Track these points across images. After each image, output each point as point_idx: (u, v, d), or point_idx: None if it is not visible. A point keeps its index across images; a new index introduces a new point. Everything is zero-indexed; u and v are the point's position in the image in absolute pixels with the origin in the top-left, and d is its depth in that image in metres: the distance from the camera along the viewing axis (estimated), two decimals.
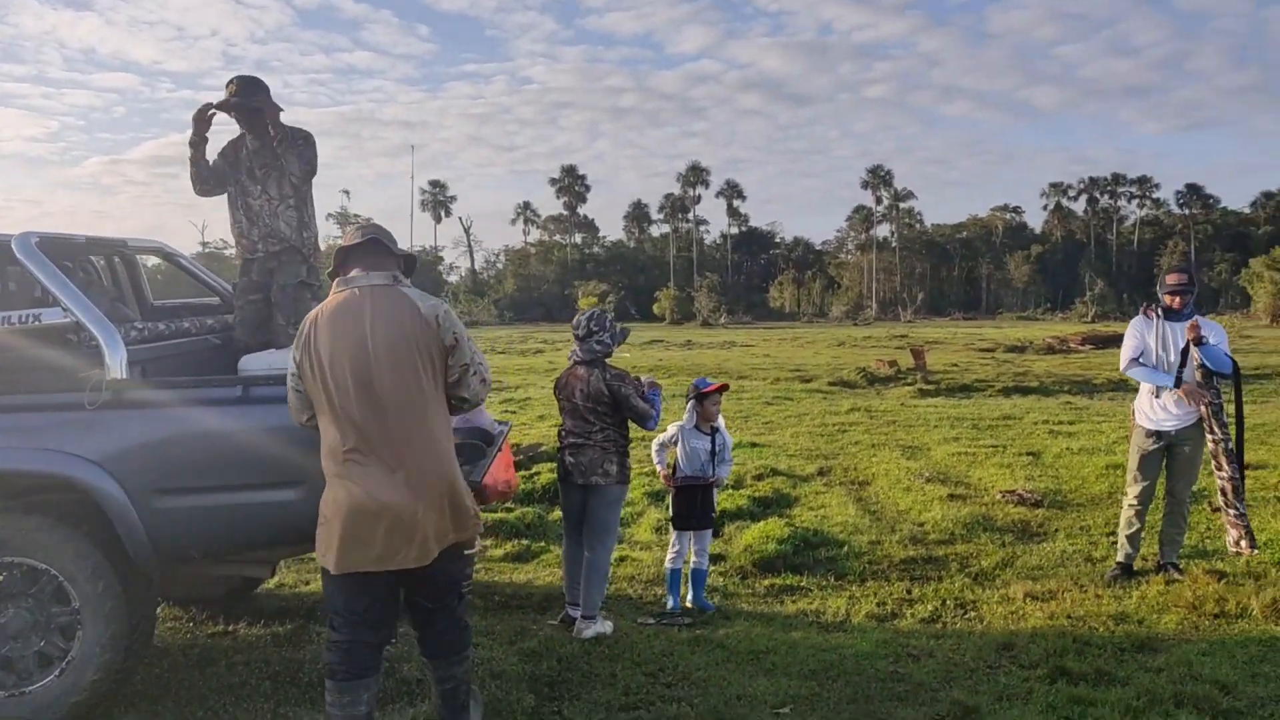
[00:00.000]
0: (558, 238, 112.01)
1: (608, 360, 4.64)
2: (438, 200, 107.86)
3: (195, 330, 4.89)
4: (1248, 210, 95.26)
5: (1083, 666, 3.98)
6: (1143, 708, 3.55)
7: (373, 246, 3.07)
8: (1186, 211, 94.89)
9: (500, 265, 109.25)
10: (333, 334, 2.92)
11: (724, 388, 5.11)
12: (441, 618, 3.09)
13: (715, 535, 6.74)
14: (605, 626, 4.56)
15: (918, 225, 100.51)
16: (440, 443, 3.02)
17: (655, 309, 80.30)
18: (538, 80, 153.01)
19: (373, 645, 3.00)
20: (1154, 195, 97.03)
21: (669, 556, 5.10)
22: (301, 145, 4.61)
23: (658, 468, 5.20)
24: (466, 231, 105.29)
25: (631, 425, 4.74)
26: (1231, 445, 5.18)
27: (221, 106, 4.47)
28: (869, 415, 12.96)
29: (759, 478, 8.56)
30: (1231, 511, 5.24)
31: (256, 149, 4.59)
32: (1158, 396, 5.26)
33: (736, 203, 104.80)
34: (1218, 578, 5.17)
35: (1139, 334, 5.37)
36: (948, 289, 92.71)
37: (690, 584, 5.14)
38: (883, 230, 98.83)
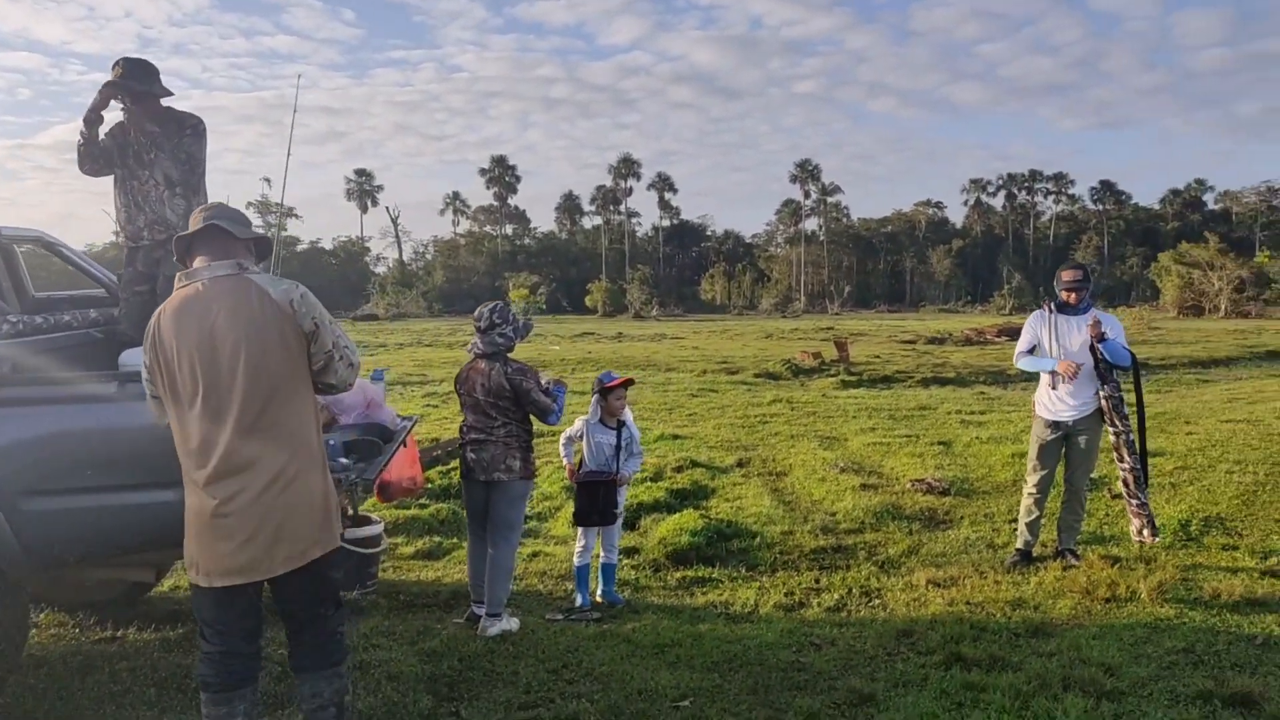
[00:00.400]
0: (488, 229, 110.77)
1: (510, 354, 4.56)
2: (364, 189, 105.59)
3: (77, 324, 4.65)
4: (1157, 207, 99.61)
5: (978, 652, 4.07)
6: (1032, 692, 3.64)
7: (214, 233, 2.86)
8: (1100, 207, 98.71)
9: (429, 256, 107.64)
10: (176, 333, 2.75)
11: (628, 382, 5.07)
12: (312, 629, 2.92)
13: (631, 528, 6.74)
14: (511, 624, 4.50)
15: (845, 219, 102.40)
16: (303, 444, 2.84)
17: (587, 301, 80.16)
18: (467, 69, 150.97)
19: (246, 655, 2.87)
20: (1069, 191, 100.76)
21: (576, 552, 5.06)
22: (190, 132, 4.42)
23: (564, 462, 5.14)
24: (394, 221, 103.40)
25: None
26: (1132, 437, 5.35)
27: (108, 88, 4.26)
28: (790, 407, 13.12)
29: (679, 470, 8.58)
30: (1134, 501, 5.41)
31: (145, 133, 4.39)
32: (1054, 389, 5.42)
33: (668, 195, 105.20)
34: (1112, 563, 5.35)
35: (1034, 328, 5.53)
36: (874, 282, 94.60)
37: (600, 578, 5.11)
38: (811, 224, 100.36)
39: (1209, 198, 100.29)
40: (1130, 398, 5.45)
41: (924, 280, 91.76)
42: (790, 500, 7.45)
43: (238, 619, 2.83)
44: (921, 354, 24.60)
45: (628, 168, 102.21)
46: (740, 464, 8.91)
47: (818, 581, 5.42)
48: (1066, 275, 5.42)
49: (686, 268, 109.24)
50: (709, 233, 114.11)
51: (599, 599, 5.07)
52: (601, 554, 5.07)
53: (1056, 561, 5.47)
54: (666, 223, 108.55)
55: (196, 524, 2.78)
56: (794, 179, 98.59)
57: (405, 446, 5.07)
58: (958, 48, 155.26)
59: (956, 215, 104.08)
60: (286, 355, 2.79)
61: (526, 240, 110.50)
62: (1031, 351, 5.55)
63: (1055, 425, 5.43)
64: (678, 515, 6.69)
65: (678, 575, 5.59)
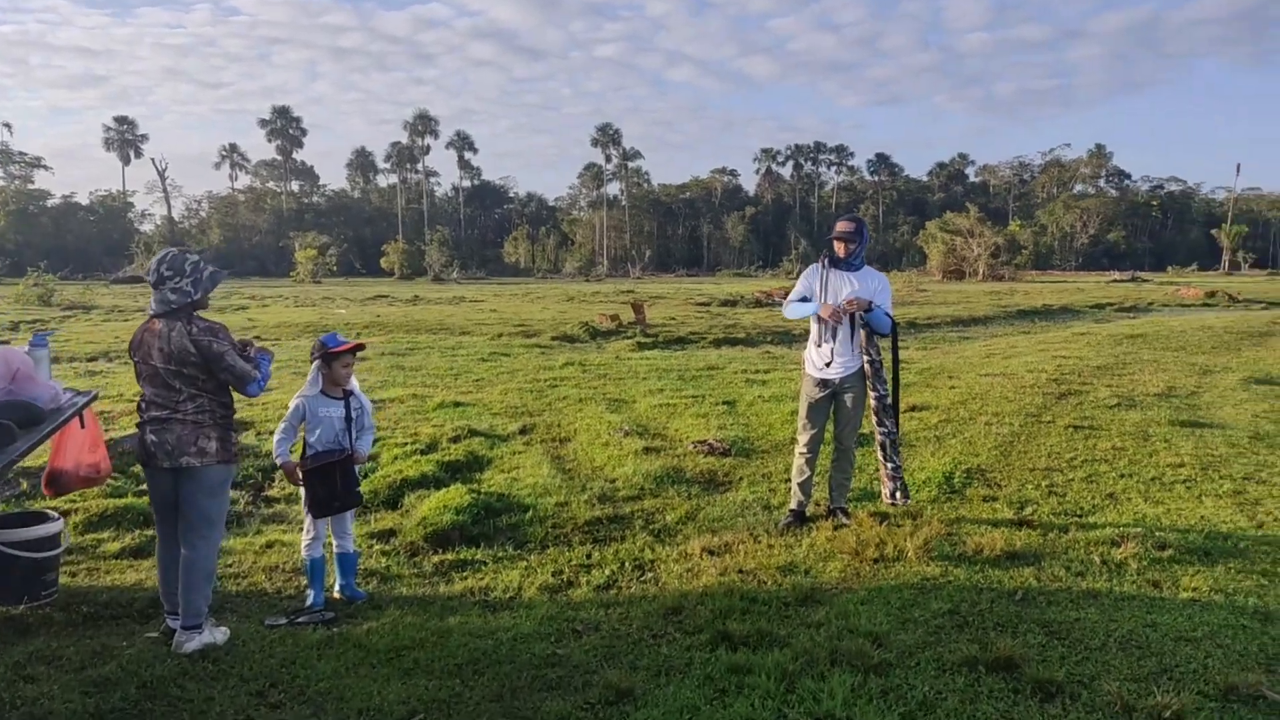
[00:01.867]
0: (271, 185, 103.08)
1: (198, 312, 3.73)
2: (125, 139, 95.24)
3: None
4: (925, 179, 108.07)
5: (746, 628, 3.78)
6: (799, 670, 3.38)
7: None
8: (876, 178, 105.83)
9: (204, 214, 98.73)
10: None
11: (358, 347, 4.33)
12: None
13: (392, 508, 6.05)
14: (216, 636, 3.74)
15: (646, 185, 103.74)
16: None
17: (383, 263, 76.46)
18: (246, 11, 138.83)
19: None
20: (850, 163, 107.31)
21: (304, 543, 4.32)
22: None
23: (277, 460, 4.25)
24: (161, 175, 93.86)
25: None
26: (889, 401, 5.29)
27: None
28: (582, 369, 12.74)
29: (455, 440, 7.94)
30: (889, 465, 5.37)
31: None
32: (820, 346, 5.26)
33: (468, 155, 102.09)
34: (880, 520, 5.29)
35: (808, 280, 5.35)
36: (674, 247, 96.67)
37: (338, 571, 4.43)
38: (613, 188, 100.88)
39: (970, 171, 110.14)
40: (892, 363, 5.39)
41: (720, 245, 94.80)
42: (570, 468, 7.01)
43: None
44: (715, 315, 25.07)
45: (425, 124, 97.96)
46: (523, 431, 8.39)
47: (589, 557, 5.01)
48: (840, 225, 5.25)
49: (489, 230, 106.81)
50: (511, 195, 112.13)
51: (337, 595, 4.39)
52: (335, 543, 4.37)
53: (828, 521, 5.35)
54: (467, 183, 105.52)
55: None
56: (595, 143, 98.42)
57: (83, 428, 4.15)
58: (750, 21, 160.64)
59: (749, 184, 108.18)
60: None
61: (315, 198, 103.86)
62: (798, 301, 5.38)
63: (823, 383, 5.29)
64: (443, 491, 6.07)
65: (436, 560, 4.99)
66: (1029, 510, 5.59)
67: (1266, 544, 4.96)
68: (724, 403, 9.51)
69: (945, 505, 5.74)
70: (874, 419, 5.33)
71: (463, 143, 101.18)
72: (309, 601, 4.26)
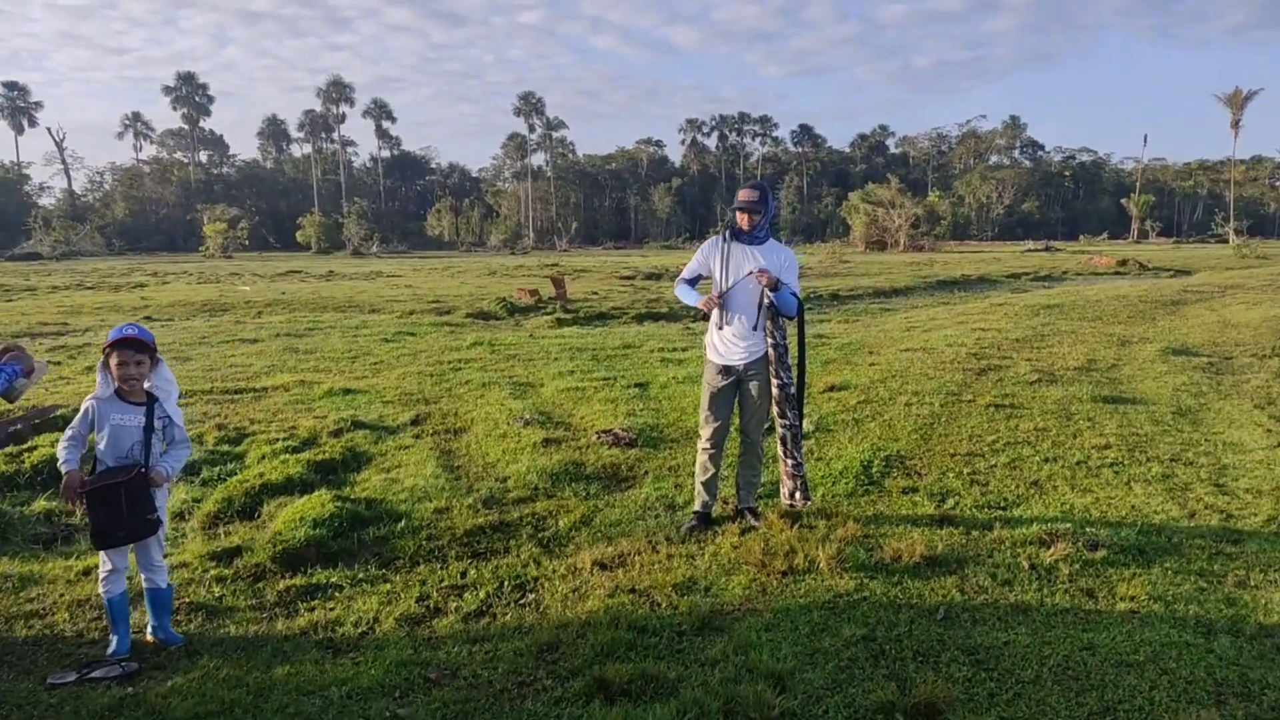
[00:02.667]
0: (179, 155, 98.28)
1: None
2: (16, 106, 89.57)
3: None
4: (847, 150, 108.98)
5: (629, 671, 3.20)
6: None
7: None
8: (800, 149, 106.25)
9: (108, 186, 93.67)
10: None
11: (137, 343, 3.47)
12: None
13: (249, 518, 5.30)
14: None
15: (571, 155, 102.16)
16: None
17: (299, 237, 73.72)
18: None
19: None
20: (774, 134, 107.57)
21: (100, 576, 3.58)
22: None
23: (62, 469, 3.43)
24: (59, 145, 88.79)
25: None
26: (793, 390, 4.73)
27: None
28: (491, 349, 12.01)
29: (336, 433, 7.19)
30: (789, 462, 4.79)
31: None
32: (721, 329, 4.69)
33: (386, 124, 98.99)
34: (792, 523, 4.76)
35: (705, 256, 4.76)
36: (600, 219, 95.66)
37: (149, 610, 3.70)
38: (538, 159, 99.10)
39: (890, 142, 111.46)
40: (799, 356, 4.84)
41: (647, 217, 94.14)
42: (460, 465, 6.35)
43: None
44: (639, 290, 24.47)
45: (339, 92, 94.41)
46: (415, 421, 7.68)
47: (464, 576, 4.37)
48: (742, 194, 4.64)
49: (411, 202, 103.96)
50: (434, 165, 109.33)
51: (150, 639, 3.67)
52: (142, 576, 3.64)
53: (736, 523, 4.81)
54: (386, 153, 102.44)
55: None
56: (518, 112, 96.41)
57: None
58: None
59: (675, 154, 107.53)
60: None
61: (225, 169, 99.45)
62: (695, 282, 4.78)
63: (726, 370, 4.71)
64: (305, 500, 5.34)
65: (282, 586, 4.28)
66: (951, 504, 5.15)
67: (1200, 537, 4.60)
68: (636, 385, 8.93)
69: (862, 500, 5.27)
70: (775, 409, 4.75)
71: (380, 111, 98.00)
72: (110, 649, 3.53)
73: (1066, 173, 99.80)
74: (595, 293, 23.27)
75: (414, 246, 77.91)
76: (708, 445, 4.78)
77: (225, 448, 6.81)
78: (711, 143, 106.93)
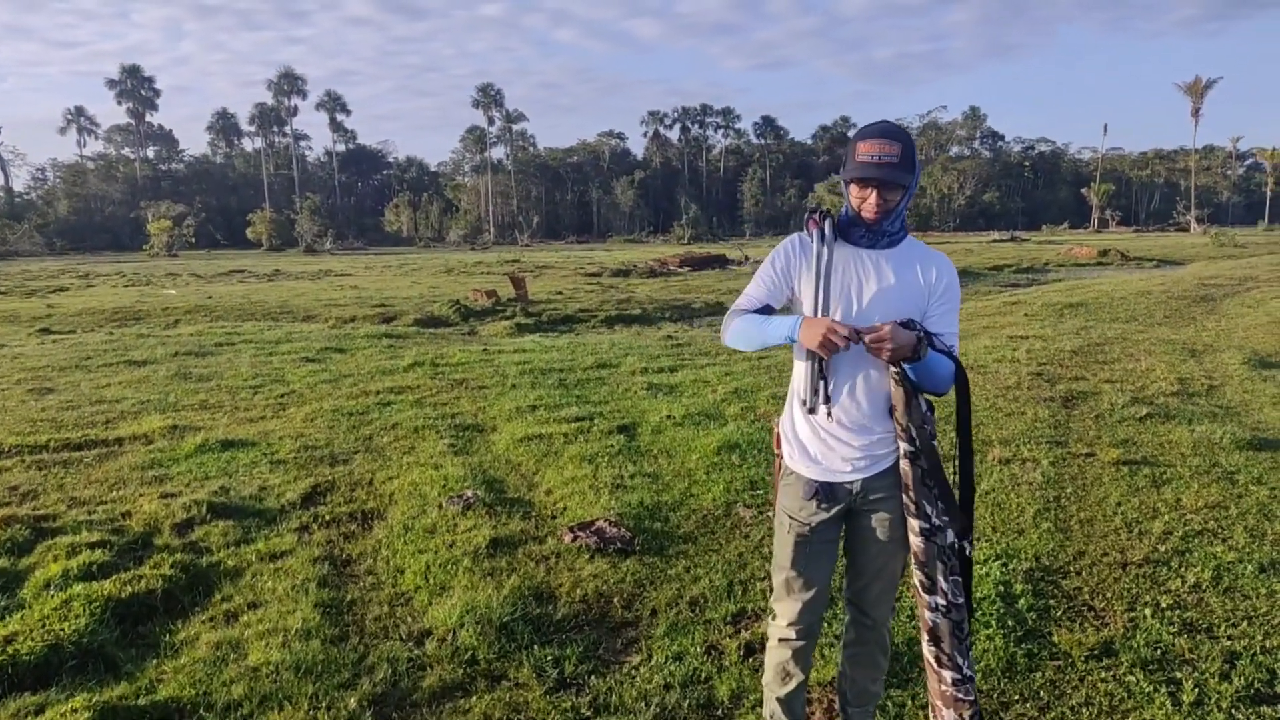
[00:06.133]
0: (125, 151, 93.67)
1: None
2: None
3: None
4: (810, 142, 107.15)
5: None
6: None
7: None
8: (763, 141, 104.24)
9: (51, 183, 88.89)
10: None
11: None
12: None
13: None
14: None
15: (532, 148, 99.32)
16: None
17: (250, 234, 70.19)
18: None
19: None
20: (736, 126, 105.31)
21: None
22: None
23: None
24: None
25: None
26: (953, 539, 2.39)
27: None
28: (433, 372, 9.69)
29: (184, 528, 4.86)
30: (948, 675, 2.39)
31: None
32: (813, 412, 2.43)
33: (341, 117, 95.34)
34: None
35: (782, 265, 2.49)
36: (562, 213, 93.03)
37: None
38: (499, 152, 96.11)
39: (852, 134, 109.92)
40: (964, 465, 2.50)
41: (610, 211, 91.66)
42: (353, 601, 4.01)
43: None
44: (607, 288, 22.21)
45: (291, 84, 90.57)
46: (309, 499, 5.36)
47: None
48: (865, 146, 2.33)
49: (367, 197, 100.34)
50: (391, 159, 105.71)
51: None
52: None
53: None
54: (341, 147, 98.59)
55: None
56: (477, 104, 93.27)
57: None
58: None
59: (638, 147, 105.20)
60: None
61: (173, 165, 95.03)
62: (757, 310, 2.51)
63: (825, 489, 2.45)
64: (56, 708, 3.01)
65: None
66: (1187, 684, 2.99)
67: None
68: (619, 429, 6.70)
69: (1035, 679, 3.07)
70: (916, 574, 2.45)
71: (334, 104, 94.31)
72: None
73: (1026, 163, 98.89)
74: (560, 292, 20.97)
75: (371, 243, 74.80)
76: (788, 633, 2.50)
77: (2, 561, 4.44)
78: (674, 135, 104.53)
